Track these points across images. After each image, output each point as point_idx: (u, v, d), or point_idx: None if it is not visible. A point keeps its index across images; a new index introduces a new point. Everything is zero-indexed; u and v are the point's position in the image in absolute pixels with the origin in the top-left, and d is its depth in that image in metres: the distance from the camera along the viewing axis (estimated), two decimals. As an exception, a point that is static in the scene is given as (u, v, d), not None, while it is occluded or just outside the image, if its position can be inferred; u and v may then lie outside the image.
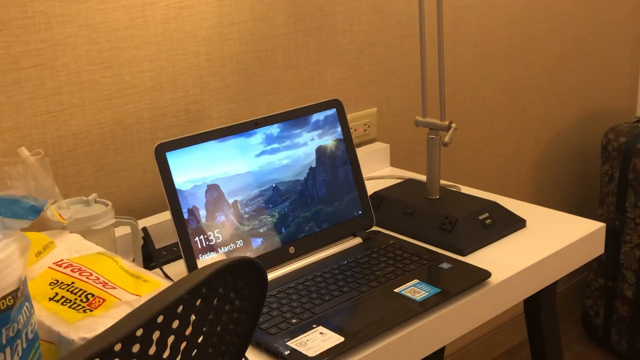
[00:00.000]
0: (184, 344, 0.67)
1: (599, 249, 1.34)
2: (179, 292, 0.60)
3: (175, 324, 0.65)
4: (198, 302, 0.66)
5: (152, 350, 0.63)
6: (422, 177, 1.56)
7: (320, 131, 1.28)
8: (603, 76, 2.35)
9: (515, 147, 2.12)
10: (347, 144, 1.31)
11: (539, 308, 1.34)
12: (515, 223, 1.32)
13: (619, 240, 2.12)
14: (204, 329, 0.68)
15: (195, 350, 0.69)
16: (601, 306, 2.22)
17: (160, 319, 0.62)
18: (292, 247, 1.22)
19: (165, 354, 0.65)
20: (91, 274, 0.93)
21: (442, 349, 1.70)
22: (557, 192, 2.31)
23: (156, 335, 0.63)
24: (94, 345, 0.57)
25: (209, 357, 0.71)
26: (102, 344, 0.57)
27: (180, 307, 0.64)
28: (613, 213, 2.13)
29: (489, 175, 2.06)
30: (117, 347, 0.59)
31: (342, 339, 0.99)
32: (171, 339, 0.65)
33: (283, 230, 1.22)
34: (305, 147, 1.26)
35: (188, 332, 0.66)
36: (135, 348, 0.61)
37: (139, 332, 0.61)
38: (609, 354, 2.24)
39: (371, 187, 1.46)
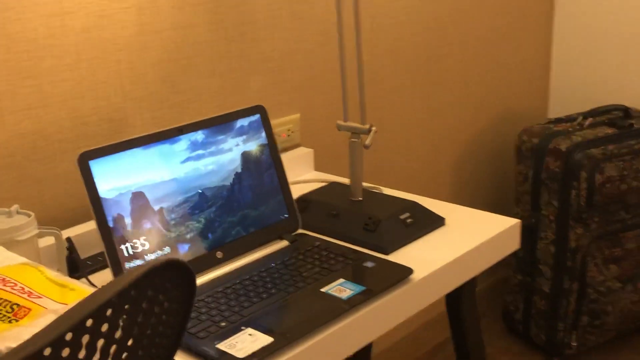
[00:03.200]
0: (113, 347, 0.67)
1: (514, 244, 1.40)
2: (107, 294, 0.61)
3: (105, 327, 0.65)
4: (127, 305, 0.67)
5: (81, 354, 0.64)
6: (346, 180, 1.59)
7: (245, 137, 1.30)
8: (515, 79, 2.45)
9: (434, 148, 2.18)
10: (272, 149, 1.33)
11: (460, 303, 1.39)
12: (435, 221, 1.37)
13: (535, 237, 2.21)
14: (134, 332, 0.69)
15: (126, 354, 0.69)
16: (520, 301, 2.30)
17: (89, 322, 0.63)
18: (219, 252, 1.23)
19: (95, 358, 0.66)
20: (15, 284, 0.92)
21: (369, 348, 1.74)
22: (475, 191, 2.39)
23: (86, 339, 0.64)
24: (23, 350, 0.57)
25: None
26: (32, 348, 0.57)
27: (110, 311, 0.65)
28: (529, 211, 2.22)
29: (410, 176, 2.12)
30: (47, 351, 0.60)
31: (271, 339, 1.01)
32: (101, 342, 0.66)
33: (210, 235, 1.23)
34: (230, 153, 1.28)
35: (118, 335, 0.67)
36: (65, 352, 0.62)
37: (69, 336, 0.61)
38: (529, 347, 2.33)
39: (296, 191, 1.49)
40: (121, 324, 0.67)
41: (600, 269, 2.14)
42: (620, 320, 2.21)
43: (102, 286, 0.63)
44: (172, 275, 0.70)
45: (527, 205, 2.22)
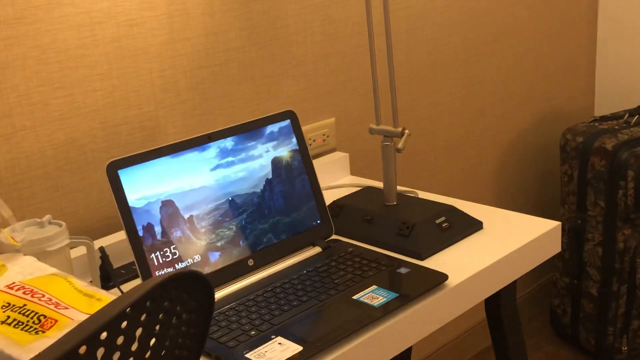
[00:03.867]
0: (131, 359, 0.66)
1: (556, 247, 1.36)
2: (119, 307, 0.60)
3: (120, 339, 0.64)
4: (143, 317, 0.66)
5: (97, 367, 0.63)
6: (382, 185, 1.57)
7: (275, 142, 1.29)
8: (559, 77, 2.39)
9: (475, 150, 2.14)
10: (303, 154, 1.32)
11: (499, 308, 1.35)
12: (472, 225, 1.34)
13: (581, 239, 2.14)
14: (151, 344, 0.68)
15: (144, 366, 0.68)
16: (568, 305, 2.24)
17: (103, 335, 0.62)
18: (251, 260, 1.22)
19: (112, 371, 0.65)
20: (43, 295, 0.93)
21: (409, 354, 1.70)
22: (518, 194, 2.34)
23: (100, 352, 0.63)
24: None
25: (159, 372, 0.70)
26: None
27: (125, 323, 0.64)
28: (574, 212, 2.15)
29: (450, 179, 2.08)
30: (60, 365, 0.59)
31: (300, 348, 1.00)
32: (116, 355, 0.65)
33: (241, 242, 1.22)
34: (260, 159, 1.26)
35: (134, 347, 0.66)
36: (80, 366, 0.61)
37: (82, 350, 0.61)
38: (578, 352, 2.27)
39: (331, 197, 1.47)
40: (138, 336, 0.66)
41: (651, 271, 2.06)
42: (673, 323, 2.13)
43: (115, 299, 0.62)
44: (189, 287, 0.68)
45: (573, 206, 2.16)
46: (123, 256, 1.30)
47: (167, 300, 0.67)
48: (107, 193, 1.38)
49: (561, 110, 2.43)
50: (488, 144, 2.18)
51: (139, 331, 0.66)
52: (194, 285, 0.69)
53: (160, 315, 0.67)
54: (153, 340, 0.68)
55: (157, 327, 0.68)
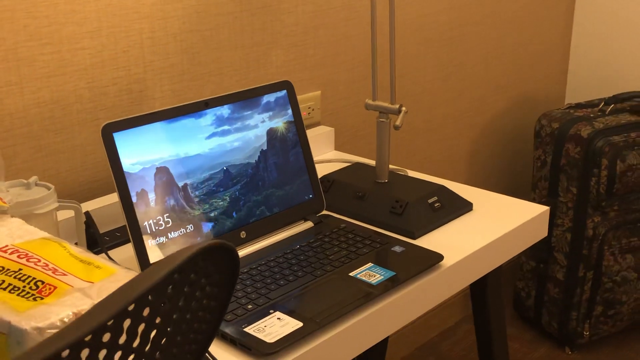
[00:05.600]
0: (154, 332, 0.64)
1: (542, 231, 1.36)
2: (155, 278, 0.57)
3: (146, 311, 0.61)
4: (169, 289, 0.63)
5: (122, 339, 0.60)
6: (367, 161, 1.55)
7: (270, 113, 1.26)
8: (536, 62, 2.40)
9: (452, 131, 2.14)
10: (298, 127, 1.29)
11: (485, 291, 1.35)
12: (463, 206, 1.33)
13: (551, 224, 2.17)
14: (174, 317, 0.65)
15: (165, 339, 0.66)
16: (532, 288, 2.27)
17: (131, 306, 0.59)
18: (243, 232, 1.19)
19: (135, 343, 0.62)
20: (39, 260, 0.88)
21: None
22: (491, 175, 2.35)
23: (127, 323, 0.60)
24: (66, 336, 0.53)
25: (178, 345, 0.68)
26: (76, 334, 0.53)
27: (152, 294, 0.61)
28: (545, 197, 2.18)
29: (429, 157, 2.08)
30: (88, 337, 0.56)
31: (300, 324, 0.98)
32: (142, 327, 0.62)
33: (234, 214, 1.19)
34: (256, 129, 1.23)
35: (158, 320, 0.63)
36: (106, 337, 0.58)
37: (110, 322, 0.58)
38: (539, 335, 2.31)
39: (318, 171, 1.45)
40: (162, 308, 0.63)
41: (617, 258, 2.10)
42: (634, 310, 2.18)
43: (147, 269, 0.59)
44: (216, 259, 0.66)
45: (544, 191, 2.18)
46: (105, 222, 1.26)
47: (194, 272, 0.64)
48: (90, 156, 1.33)
49: (536, 95, 2.45)
50: (465, 126, 2.18)
51: (164, 303, 0.63)
52: (220, 258, 0.66)
53: (185, 288, 0.65)
54: (176, 313, 0.65)
55: (182, 300, 0.65)
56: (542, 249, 2.21)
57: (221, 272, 0.67)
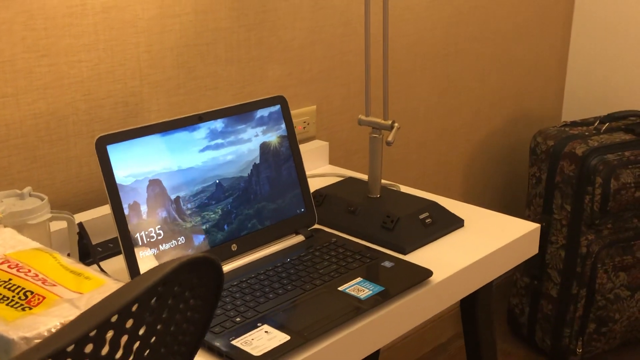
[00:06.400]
0: (137, 344, 0.64)
1: (533, 248, 1.37)
2: (137, 290, 0.58)
3: (129, 323, 0.62)
4: (153, 301, 0.64)
5: (104, 350, 0.61)
6: (360, 176, 1.56)
7: (264, 127, 1.27)
8: (532, 80, 2.41)
9: (447, 146, 2.15)
10: (291, 141, 1.30)
11: (475, 307, 1.36)
12: (454, 222, 1.34)
13: (545, 241, 2.18)
14: (158, 328, 0.66)
15: (148, 351, 0.66)
16: (526, 305, 2.28)
17: (114, 318, 0.60)
18: (234, 245, 1.20)
19: (118, 355, 0.63)
20: (29, 271, 0.89)
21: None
22: (485, 192, 2.36)
23: (110, 334, 0.61)
24: (46, 347, 0.54)
25: (162, 357, 0.69)
26: (57, 345, 0.54)
27: (136, 306, 0.62)
28: (540, 214, 2.19)
29: (423, 173, 2.09)
30: (70, 348, 0.57)
31: (288, 337, 0.99)
32: (124, 339, 0.63)
33: (226, 227, 1.20)
34: (249, 143, 1.25)
35: (142, 331, 0.64)
36: (88, 348, 0.59)
37: (93, 332, 0.58)
38: (533, 352, 2.31)
39: (311, 185, 1.46)
40: (146, 320, 0.64)
41: (610, 276, 2.11)
42: (627, 328, 2.18)
43: (131, 281, 0.60)
44: (200, 272, 0.67)
45: (539, 208, 2.19)
46: (98, 233, 1.27)
47: (178, 284, 0.65)
48: (85, 167, 1.34)
49: (532, 112, 2.46)
50: (461, 141, 2.19)
51: (147, 315, 0.64)
52: (205, 271, 0.67)
53: (170, 300, 0.66)
54: (160, 325, 0.66)
55: (165, 312, 0.66)
56: (536, 266, 2.22)
57: (205, 285, 0.68)
